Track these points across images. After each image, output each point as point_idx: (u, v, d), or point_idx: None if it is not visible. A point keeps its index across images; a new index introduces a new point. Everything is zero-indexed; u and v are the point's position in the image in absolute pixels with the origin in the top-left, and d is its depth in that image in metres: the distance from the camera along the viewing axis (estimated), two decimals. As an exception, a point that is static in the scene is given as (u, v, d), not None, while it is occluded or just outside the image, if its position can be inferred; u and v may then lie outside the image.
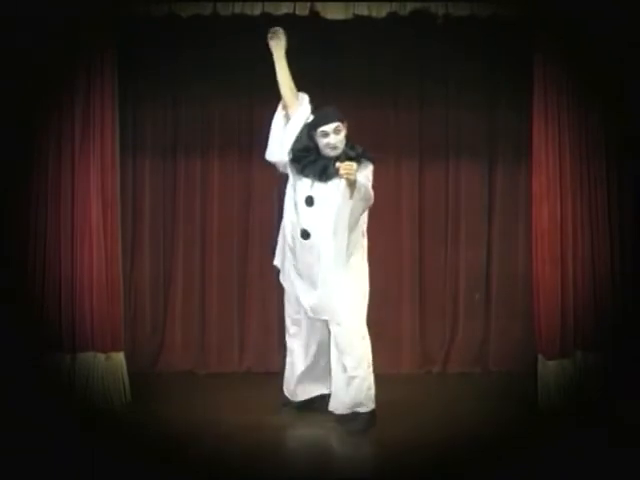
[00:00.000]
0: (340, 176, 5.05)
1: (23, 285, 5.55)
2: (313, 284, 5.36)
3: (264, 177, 6.57)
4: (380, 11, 5.44)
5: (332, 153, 5.24)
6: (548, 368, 5.55)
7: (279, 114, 5.54)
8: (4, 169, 5.53)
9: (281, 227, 5.54)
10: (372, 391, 5.27)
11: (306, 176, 5.33)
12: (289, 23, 5.57)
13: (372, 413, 5.29)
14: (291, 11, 5.43)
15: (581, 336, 5.58)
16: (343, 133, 5.29)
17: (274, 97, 6.62)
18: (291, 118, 5.46)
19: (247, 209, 6.77)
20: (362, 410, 5.27)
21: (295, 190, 5.39)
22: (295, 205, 5.38)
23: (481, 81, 6.68)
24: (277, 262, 5.63)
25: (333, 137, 5.25)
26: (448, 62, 6.64)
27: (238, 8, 5.42)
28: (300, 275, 5.43)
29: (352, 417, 5.29)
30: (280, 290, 6.03)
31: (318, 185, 5.30)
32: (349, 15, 5.47)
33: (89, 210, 5.57)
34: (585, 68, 5.54)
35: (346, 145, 5.29)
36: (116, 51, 5.59)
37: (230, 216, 6.77)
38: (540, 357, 5.58)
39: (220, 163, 6.74)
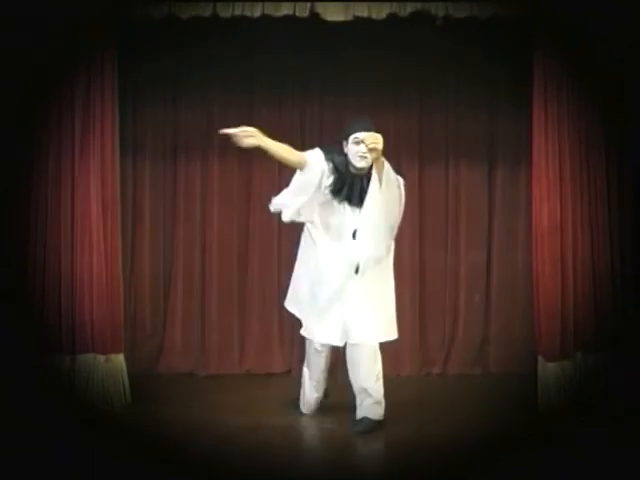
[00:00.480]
0: (367, 145, 4.96)
1: (23, 286, 5.54)
2: (337, 314, 5.26)
3: (264, 177, 6.58)
4: (380, 12, 5.42)
5: (361, 163, 5.07)
6: (548, 369, 5.54)
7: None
8: (4, 169, 5.53)
9: (300, 271, 5.44)
10: (382, 406, 5.27)
11: (351, 204, 5.18)
12: (289, 24, 5.58)
13: (378, 421, 5.29)
14: (291, 12, 5.41)
15: (581, 337, 5.58)
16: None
17: (274, 97, 6.68)
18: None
19: (247, 209, 6.75)
20: (369, 416, 5.27)
21: (339, 222, 5.22)
22: (336, 236, 5.25)
23: (481, 81, 6.67)
24: (293, 309, 5.54)
25: (365, 146, 5.03)
26: (448, 62, 6.61)
27: (238, 9, 5.41)
28: (322, 308, 5.30)
29: (357, 421, 5.29)
30: (280, 290, 6.04)
31: (360, 212, 5.17)
32: (349, 16, 5.46)
33: (89, 210, 5.56)
34: (585, 68, 5.53)
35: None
36: (116, 51, 5.58)
37: (230, 216, 6.75)
38: (540, 358, 5.57)
39: (220, 163, 6.72)
